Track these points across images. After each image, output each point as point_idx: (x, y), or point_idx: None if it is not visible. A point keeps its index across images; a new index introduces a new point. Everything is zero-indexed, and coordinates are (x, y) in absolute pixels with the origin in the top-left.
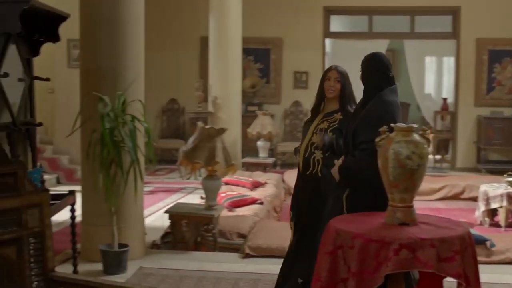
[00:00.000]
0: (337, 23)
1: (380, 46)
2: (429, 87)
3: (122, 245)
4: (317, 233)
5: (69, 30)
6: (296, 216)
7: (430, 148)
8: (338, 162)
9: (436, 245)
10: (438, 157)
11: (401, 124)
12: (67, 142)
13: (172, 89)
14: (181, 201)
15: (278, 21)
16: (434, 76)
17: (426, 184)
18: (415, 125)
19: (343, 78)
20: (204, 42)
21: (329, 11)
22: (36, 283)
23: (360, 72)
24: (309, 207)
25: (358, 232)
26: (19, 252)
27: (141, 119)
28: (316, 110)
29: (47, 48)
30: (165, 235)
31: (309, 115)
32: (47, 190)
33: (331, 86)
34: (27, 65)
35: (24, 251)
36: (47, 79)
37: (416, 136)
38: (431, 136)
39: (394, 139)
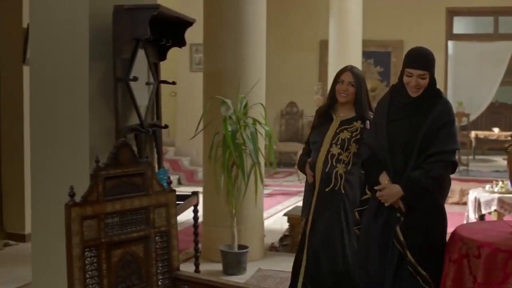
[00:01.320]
0: (460, 25)
1: (506, 48)
2: None
3: (241, 246)
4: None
5: (192, 34)
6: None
7: None
8: (388, 185)
9: None
10: None
11: None
12: (188, 144)
13: (291, 92)
14: (299, 204)
15: (399, 23)
16: None
17: None
18: None
19: (358, 81)
20: (323, 45)
21: (452, 13)
22: (161, 280)
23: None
24: (325, 230)
25: (485, 241)
26: (146, 250)
27: (262, 122)
28: (325, 114)
29: (170, 52)
30: (284, 237)
31: None
32: (174, 191)
33: (344, 90)
34: (155, 69)
35: (151, 249)
36: (173, 83)
37: None
38: None
39: None
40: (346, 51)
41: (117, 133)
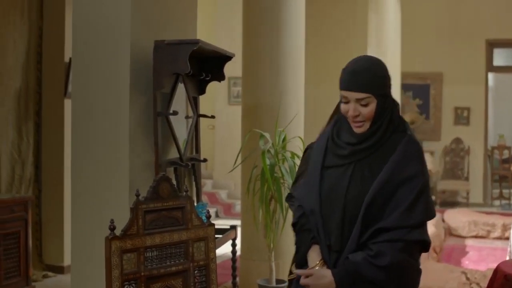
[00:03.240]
0: (500, 57)
1: None
2: None
3: (279, 281)
4: None
5: (230, 67)
6: None
7: None
8: (316, 270)
9: None
10: None
11: None
12: (226, 177)
13: None
14: None
15: (438, 55)
16: None
17: None
18: None
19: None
20: None
21: (492, 45)
22: None
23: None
24: None
25: None
26: (185, 284)
27: (301, 155)
28: None
29: (208, 85)
30: None
31: (473, 151)
32: (213, 225)
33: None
34: (194, 103)
35: (190, 283)
36: (212, 117)
37: None
38: None
39: None
40: None
41: (157, 166)
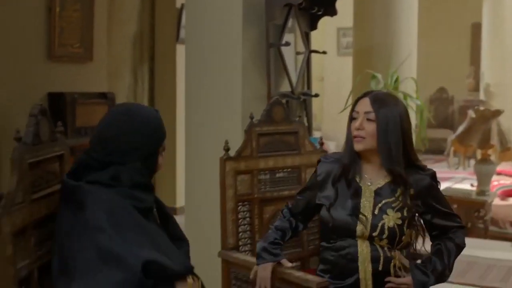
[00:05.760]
0: None
1: None
2: None
3: None
4: None
5: (339, 19)
6: None
7: None
8: None
9: None
10: None
11: None
12: (334, 129)
13: (440, 77)
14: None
15: None
16: None
17: None
18: None
19: (382, 111)
20: (475, 28)
21: None
22: (311, 241)
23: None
24: None
25: None
26: None
27: (414, 96)
28: (343, 176)
29: (317, 36)
30: None
31: None
32: (325, 151)
33: (357, 129)
34: (306, 38)
35: None
36: (324, 52)
37: None
38: None
39: None
40: (502, 35)
41: (269, 98)
